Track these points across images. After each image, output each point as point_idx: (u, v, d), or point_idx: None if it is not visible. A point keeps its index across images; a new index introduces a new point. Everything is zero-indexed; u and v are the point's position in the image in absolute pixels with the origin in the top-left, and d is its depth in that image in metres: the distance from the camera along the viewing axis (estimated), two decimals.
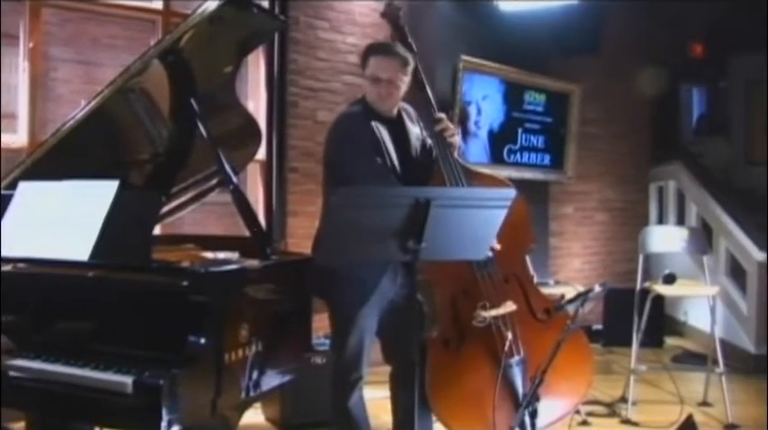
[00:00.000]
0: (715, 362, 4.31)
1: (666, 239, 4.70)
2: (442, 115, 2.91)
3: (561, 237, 6.61)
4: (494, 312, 2.84)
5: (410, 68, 2.85)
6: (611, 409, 4.35)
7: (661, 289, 4.40)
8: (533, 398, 2.71)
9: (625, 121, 6.97)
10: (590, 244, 6.84)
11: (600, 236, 6.91)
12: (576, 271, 6.67)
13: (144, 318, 2.19)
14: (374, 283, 2.79)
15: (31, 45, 4.22)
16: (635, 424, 4.10)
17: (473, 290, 2.90)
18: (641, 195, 7.26)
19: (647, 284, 4.47)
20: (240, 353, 2.23)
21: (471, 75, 5.53)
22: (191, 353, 2.08)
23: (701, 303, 5.37)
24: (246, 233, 2.61)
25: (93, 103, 2.57)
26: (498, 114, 5.84)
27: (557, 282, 5.93)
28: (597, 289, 2.79)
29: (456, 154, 2.92)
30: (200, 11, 2.48)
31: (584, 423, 4.04)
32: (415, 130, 2.97)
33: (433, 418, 2.93)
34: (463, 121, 5.51)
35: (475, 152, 5.64)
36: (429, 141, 2.98)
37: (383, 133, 2.83)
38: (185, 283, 2.16)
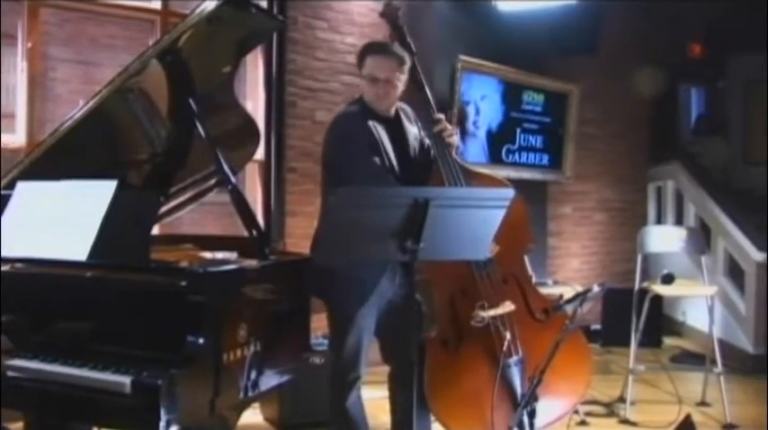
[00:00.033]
0: (713, 362, 4.31)
1: (665, 239, 4.70)
2: (441, 115, 2.91)
3: (560, 237, 6.61)
4: (492, 312, 2.84)
5: (407, 67, 2.85)
6: (610, 409, 4.35)
7: (659, 289, 4.40)
8: (532, 397, 2.71)
9: (623, 121, 6.97)
10: (588, 244, 6.84)
11: (598, 236, 6.91)
12: (575, 271, 6.67)
13: (142, 318, 2.19)
14: (373, 283, 2.79)
15: (29, 45, 4.21)
16: (633, 424, 4.10)
17: (471, 290, 2.90)
18: (640, 195, 7.26)
19: (645, 284, 4.46)
20: (238, 353, 2.23)
21: (470, 75, 5.53)
22: (189, 354, 2.08)
23: (699, 303, 5.36)
24: (245, 233, 2.61)
25: (91, 103, 2.56)
26: (497, 114, 5.84)
27: (555, 282, 5.93)
28: (596, 289, 2.80)
29: (454, 154, 2.92)
30: (198, 11, 2.48)
31: (583, 423, 4.04)
32: (413, 130, 2.97)
33: (432, 418, 2.92)
34: (462, 121, 5.50)
35: (473, 152, 5.63)
36: (427, 141, 2.98)
37: (381, 133, 2.84)
38: (184, 283, 2.16)
